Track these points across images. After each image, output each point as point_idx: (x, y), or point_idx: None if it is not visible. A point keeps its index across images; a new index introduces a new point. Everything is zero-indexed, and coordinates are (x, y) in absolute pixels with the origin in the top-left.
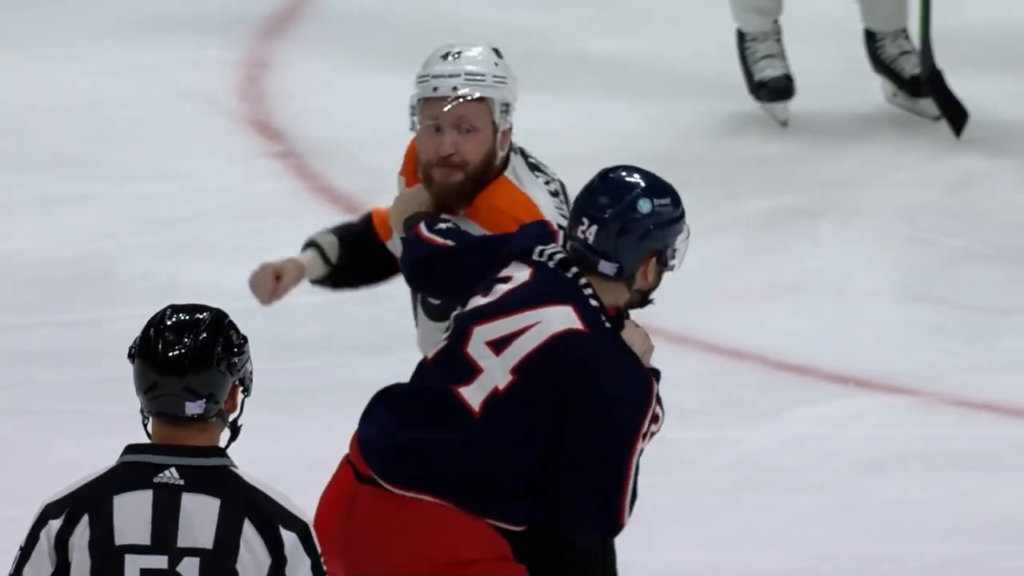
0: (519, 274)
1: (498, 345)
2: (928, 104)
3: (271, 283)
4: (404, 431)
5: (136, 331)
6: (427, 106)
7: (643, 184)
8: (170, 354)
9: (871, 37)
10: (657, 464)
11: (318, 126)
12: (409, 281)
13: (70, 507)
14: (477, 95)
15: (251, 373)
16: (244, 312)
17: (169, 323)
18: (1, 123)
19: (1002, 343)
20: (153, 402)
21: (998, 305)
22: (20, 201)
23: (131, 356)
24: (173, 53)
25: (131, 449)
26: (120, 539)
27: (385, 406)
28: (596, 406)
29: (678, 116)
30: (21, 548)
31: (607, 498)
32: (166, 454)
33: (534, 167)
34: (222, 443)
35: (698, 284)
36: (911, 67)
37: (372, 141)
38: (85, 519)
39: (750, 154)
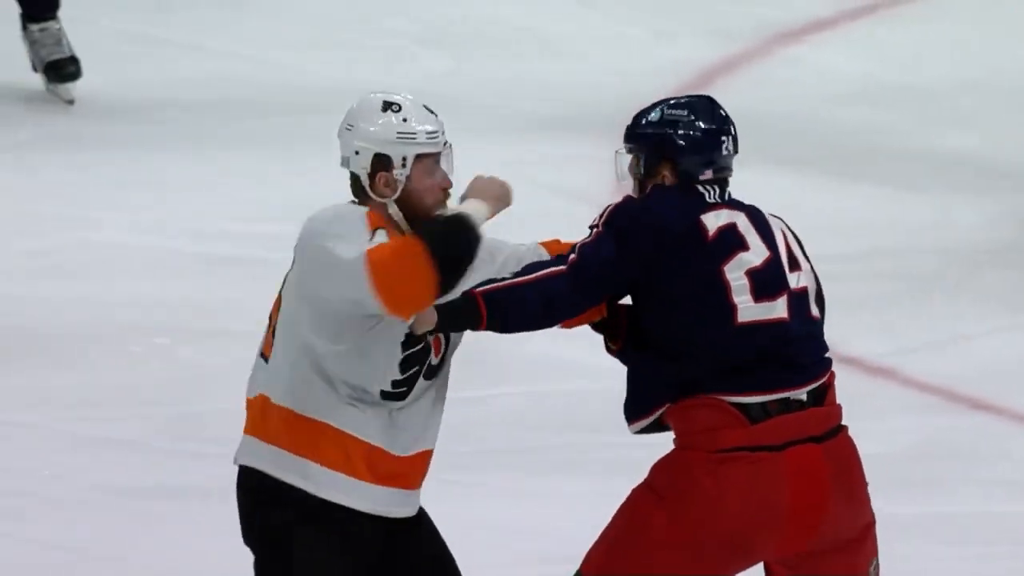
0: (735, 215)
1: (791, 261)
2: None
3: None
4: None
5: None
6: (428, 156)
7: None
8: None
9: None
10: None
11: None
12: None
13: None
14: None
15: None
16: None
17: None
18: None
19: None
20: None
21: None
22: None
23: None
24: (549, 150)
25: None
26: None
27: (781, 365)
28: None
29: (1020, 210)
30: None
31: None
32: None
33: None
34: None
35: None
36: None
37: None
38: None
39: None
